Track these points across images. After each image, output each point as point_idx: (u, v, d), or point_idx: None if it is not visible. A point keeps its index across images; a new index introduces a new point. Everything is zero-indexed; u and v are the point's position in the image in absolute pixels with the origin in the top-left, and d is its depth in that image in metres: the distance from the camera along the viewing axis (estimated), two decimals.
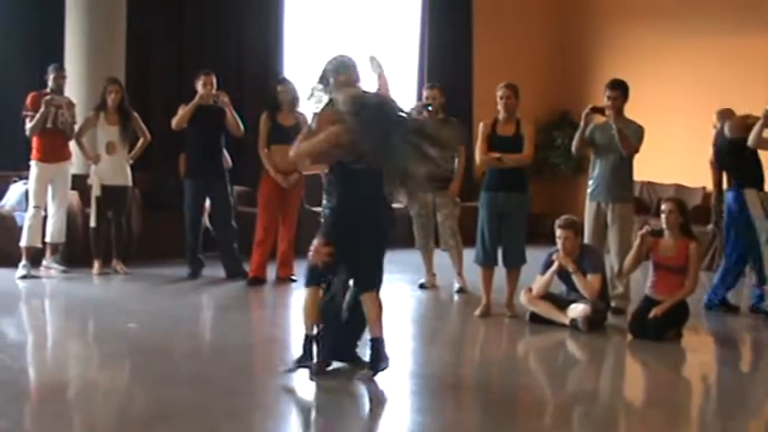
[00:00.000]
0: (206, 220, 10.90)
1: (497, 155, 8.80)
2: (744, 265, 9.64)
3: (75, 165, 10.98)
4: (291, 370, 6.52)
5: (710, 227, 11.19)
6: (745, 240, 9.33)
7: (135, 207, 11.36)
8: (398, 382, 6.82)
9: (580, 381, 7.34)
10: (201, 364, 6.41)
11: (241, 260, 10.55)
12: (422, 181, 6.60)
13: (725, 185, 9.66)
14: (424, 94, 10.54)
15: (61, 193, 10.65)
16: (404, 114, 6.54)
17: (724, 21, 13.57)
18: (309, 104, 6.83)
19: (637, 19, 14.86)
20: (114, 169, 10.65)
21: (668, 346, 8.07)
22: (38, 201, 10.50)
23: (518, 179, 8.88)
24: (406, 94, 14.87)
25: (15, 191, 11.16)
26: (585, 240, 8.95)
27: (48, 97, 10.38)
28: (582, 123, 9.21)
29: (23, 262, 10.34)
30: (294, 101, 10.09)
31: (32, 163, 10.51)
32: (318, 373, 6.43)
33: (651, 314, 8.12)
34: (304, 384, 6.42)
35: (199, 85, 10.36)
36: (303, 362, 6.51)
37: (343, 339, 6.72)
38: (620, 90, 9.13)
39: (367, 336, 6.70)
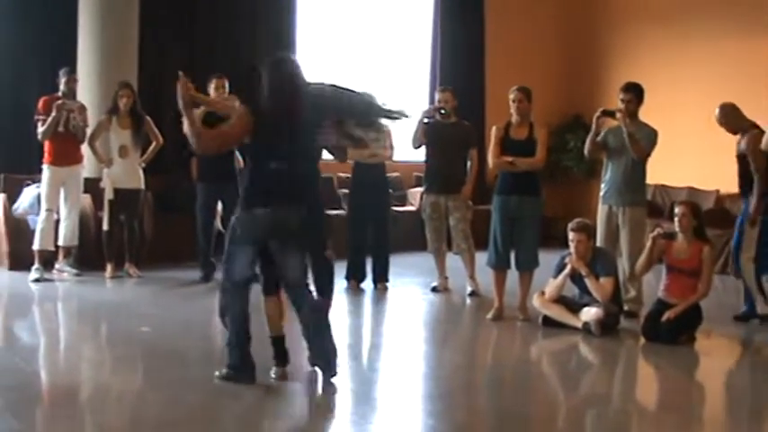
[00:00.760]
0: (218, 224, 10.90)
1: (510, 158, 8.78)
2: None
3: (87, 168, 11.03)
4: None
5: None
6: None
7: (147, 210, 11.38)
8: (411, 385, 6.82)
9: (593, 384, 7.32)
10: (214, 368, 6.40)
11: None
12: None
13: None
14: (437, 97, 10.55)
15: (73, 197, 10.68)
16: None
17: (737, 24, 13.54)
18: None
19: (650, 22, 14.83)
20: (127, 173, 10.67)
21: (681, 349, 8.05)
22: (50, 204, 10.53)
23: (531, 182, 8.86)
24: (418, 97, 14.89)
25: (28, 194, 11.19)
26: (598, 243, 8.93)
27: (59, 102, 10.41)
28: (593, 126, 9.19)
29: (36, 265, 10.37)
30: None
31: (45, 166, 10.55)
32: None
33: (664, 317, 8.10)
34: (316, 387, 6.41)
35: (211, 89, 10.37)
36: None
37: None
38: (633, 93, 9.10)
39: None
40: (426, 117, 10.22)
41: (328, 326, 6.54)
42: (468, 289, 10.17)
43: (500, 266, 8.99)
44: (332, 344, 6.46)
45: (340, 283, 10.37)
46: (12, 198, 11.23)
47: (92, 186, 10.99)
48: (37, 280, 10.26)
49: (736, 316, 9.31)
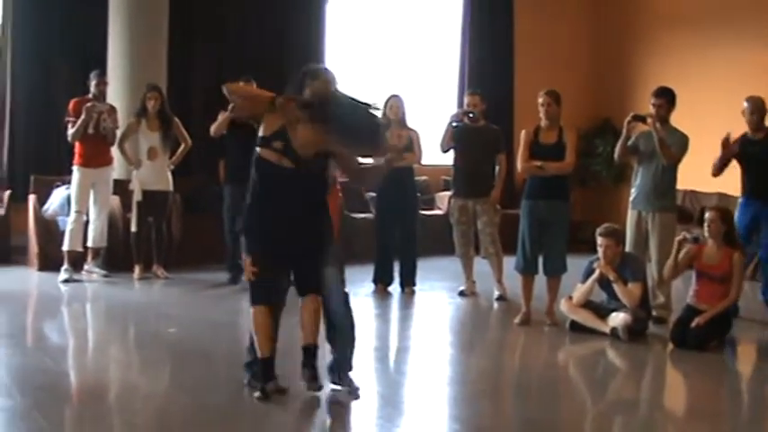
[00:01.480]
0: None
1: (539, 163, 8.75)
2: None
3: (116, 170, 11.07)
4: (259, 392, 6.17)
5: None
6: None
7: (175, 212, 11.41)
8: (437, 389, 6.80)
9: (620, 390, 7.29)
10: (241, 370, 6.41)
11: None
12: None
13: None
14: (466, 100, 10.52)
15: (103, 198, 10.73)
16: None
17: None
18: None
19: (680, 25, 14.75)
20: (155, 174, 10.71)
21: (710, 356, 7.99)
22: (80, 205, 10.59)
23: (559, 187, 8.83)
24: (447, 101, 14.88)
25: (58, 195, 11.26)
26: (627, 249, 8.88)
27: (89, 104, 10.46)
28: (624, 131, 9.14)
29: (65, 266, 10.43)
30: None
31: (75, 168, 10.61)
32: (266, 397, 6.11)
33: (693, 323, 8.04)
34: (342, 392, 6.41)
35: None
36: (253, 384, 6.23)
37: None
38: (665, 98, 9.05)
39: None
40: (455, 121, 10.20)
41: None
42: (496, 293, 10.14)
43: (528, 271, 8.95)
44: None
45: (367, 287, 10.40)
46: (42, 199, 11.30)
47: (120, 188, 11.04)
48: (66, 281, 10.31)
49: None
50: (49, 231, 11.02)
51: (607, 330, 8.30)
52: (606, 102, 15.60)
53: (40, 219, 11.13)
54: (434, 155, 11.23)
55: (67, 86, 11.66)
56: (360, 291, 10.28)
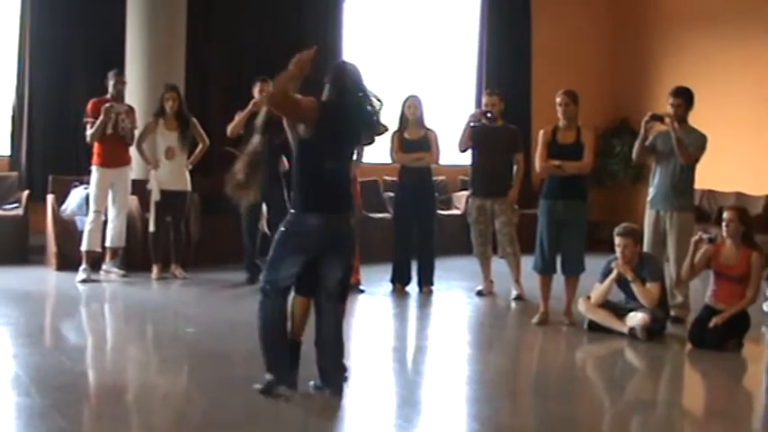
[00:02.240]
0: (263, 226, 10.92)
1: (557, 162, 8.74)
2: None
3: (134, 170, 11.09)
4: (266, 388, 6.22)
5: None
6: None
7: (193, 212, 11.43)
8: (455, 388, 6.80)
9: (638, 390, 7.27)
10: (259, 370, 6.41)
11: None
12: None
13: None
14: (484, 100, 10.52)
15: (121, 198, 10.76)
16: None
17: None
18: None
19: (698, 24, 14.72)
20: (173, 174, 10.73)
21: (728, 356, 7.97)
22: (98, 205, 10.61)
23: (577, 187, 8.82)
24: (465, 101, 14.88)
25: (76, 195, 11.29)
26: (645, 249, 8.86)
27: (107, 105, 10.49)
28: (642, 131, 9.11)
29: (83, 266, 10.46)
30: None
31: (93, 168, 10.63)
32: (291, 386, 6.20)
33: (711, 323, 8.02)
34: (359, 391, 6.41)
35: (255, 92, 10.40)
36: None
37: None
38: (682, 98, 9.02)
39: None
40: (473, 121, 10.20)
41: (342, 343, 6.36)
42: (514, 293, 10.13)
43: (546, 271, 8.94)
44: (342, 362, 6.32)
45: (385, 286, 10.40)
46: (60, 199, 11.33)
47: (139, 188, 11.06)
48: (84, 281, 10.34)
49: None
50: (68, 231, 11.05)
51: (625, 330, 8.29)
52: (624, 101, 15.59)
53: (58, 219, 11.16)
54: (452, 155, 11.23)
55: (85, 86, 11.72)
56: (377, 290, 10.31)
